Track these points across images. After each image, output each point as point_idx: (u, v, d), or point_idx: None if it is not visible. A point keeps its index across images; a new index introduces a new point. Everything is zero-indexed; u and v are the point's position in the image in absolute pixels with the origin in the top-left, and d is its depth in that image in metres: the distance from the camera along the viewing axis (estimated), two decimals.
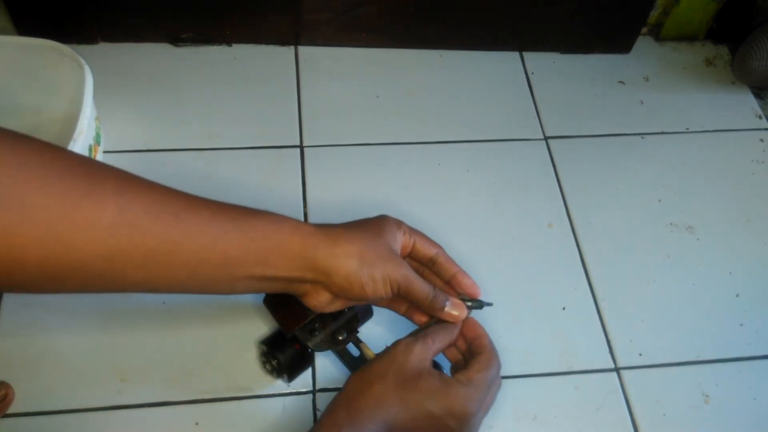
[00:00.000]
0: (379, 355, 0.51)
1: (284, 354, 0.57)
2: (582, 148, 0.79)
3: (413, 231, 0.55)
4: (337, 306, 0.52)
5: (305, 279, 0.50)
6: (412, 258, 0.56)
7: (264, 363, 0.60)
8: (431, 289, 0.52)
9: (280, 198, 0.72)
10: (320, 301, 0.51)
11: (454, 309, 0.53)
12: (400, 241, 0.53)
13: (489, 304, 0.56)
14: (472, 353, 0.54)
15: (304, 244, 0.48)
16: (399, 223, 0.54)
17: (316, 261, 0.48)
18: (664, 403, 0.62)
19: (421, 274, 0.56)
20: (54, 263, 0.40)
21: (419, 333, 0.53)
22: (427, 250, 0.55)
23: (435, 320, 0.54)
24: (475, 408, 0.50)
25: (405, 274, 0.51)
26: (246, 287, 0.49)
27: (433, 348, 0.51)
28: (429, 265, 0.56)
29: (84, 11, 0.78)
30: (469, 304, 0.55)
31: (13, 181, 0.38)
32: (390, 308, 0.57)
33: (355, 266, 0.49)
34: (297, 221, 0.50)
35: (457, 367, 0.55)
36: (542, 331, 0.65)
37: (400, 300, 0.55)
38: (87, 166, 0.42)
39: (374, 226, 0.52)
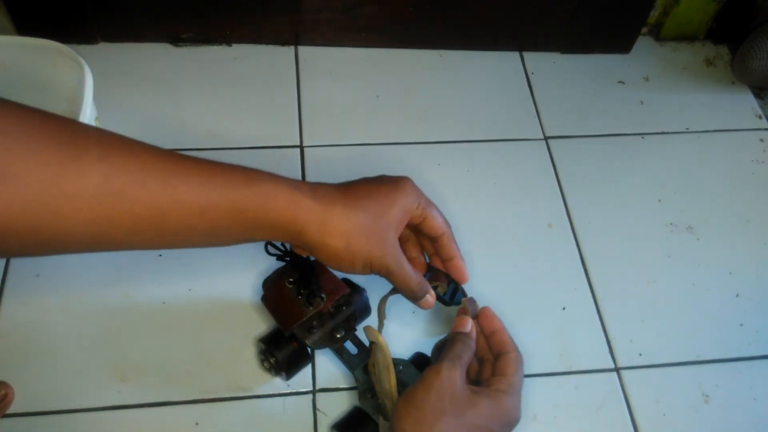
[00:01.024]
0: (421, 385, 0.48)
1: (282, 352, 0.57)
2: (582, 148, 0.79)
3: (428, 205, 0.54)
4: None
5: (293, 242, 0.51)
6: (419, 231, 0.56)
7: (262, 361, 0.60)
8: (415, 281, 0.53)
9: None
10: (302, 253, 0.53)
11: (428, 301, 0.55)
12: (407, 214, 0.52)
13: (459, 301, 0.57)
14: (495, 352, 0.54)
15: (294, 219, 0.48)
16: (417, 194, 0.53)
17: (304, 236, 0.48)
18: (664, 403, 0.62)
19: (422, 243, 0.57)
20: (44, 230, 0.40)
21: (447, 355, 0.51)
22: (434, 230, 0.55)
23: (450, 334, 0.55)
24: (520, 408, 0.51)
25: (387, 263, 0.51)
26: (231, 244, 0.50)
27: (465, 365, 0.51)
28: (432, 241, 0.56)
29: (84, 11, 0.78)
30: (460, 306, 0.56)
31: None
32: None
33: (341, 247, 0.49)
34: (292, 188, 0.48)
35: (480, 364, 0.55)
36: (542, 331, 0.65)
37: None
38: (71, 131, 0.42)
39: (383, 197, 0.51)
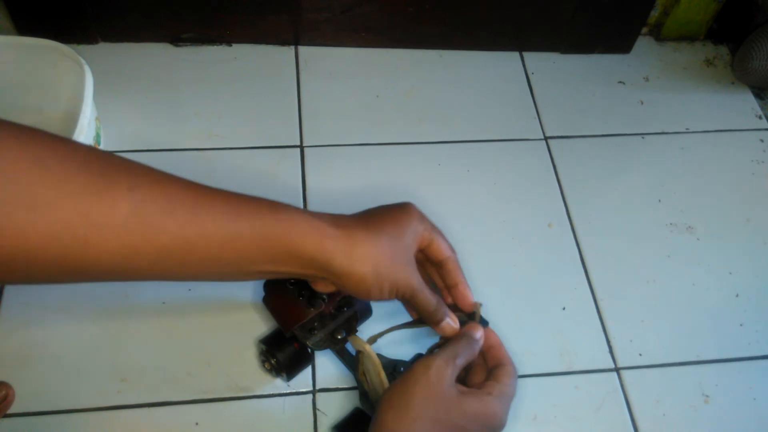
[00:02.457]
0: (409, 378, 0.48)
1: (283, 353, 0.57)
2: (582, 148, 0.79)
3: (434, 229, 0.54)
4: (332, 290, 0.54)
5: (316, 276, 0.50)
6: (424, 255, 0.55)
7: (263, 362, 0.60)
8: (435, 302, 0.52)
9: (280, 198, 0.71)
10: (327, 288, 0.53)
11: (449, 325, 0.53)
12: (418, 238, 0.52)
13: (485, 323, 0.56)
14: (490, 363, 0.54)
15: (320, 247, 0.47)
16: (422, 218, 0.53)
17: (331, 265, 0.48)
18: (664, 403, 0.62)
19: (427, 270, 0.56)
20: (70, 260, 0.40)
21: (445, 351, 0.50)
22: (440, 254, 0.54)
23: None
24: (506, 417, 0.51)
25: (412, 285, 0.50)
26: (255, 278, 0.50)
27: (459, 367, 0.50)
28: (437, 266, 0.55)
29: (84, 11, 0.78)
30: (465, 319, 0.55)
31: (28, 178, 0.38)
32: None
33: (369, 273, 0.48)
34: (314, 218, 0.48)
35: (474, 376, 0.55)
36: (542, 331, 0.65)
37: None
38: (101, 161, 0.42)
39: (396, 222, 0.51)
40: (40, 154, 0.39)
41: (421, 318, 0.54)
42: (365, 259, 0.48)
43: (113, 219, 0.41)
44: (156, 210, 0.42)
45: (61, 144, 0.41)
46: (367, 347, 0.54)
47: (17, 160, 0.38)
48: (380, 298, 0.50)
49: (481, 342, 0.54)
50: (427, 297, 0.52)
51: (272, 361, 0.58)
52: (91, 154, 0.42)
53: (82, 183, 0.40)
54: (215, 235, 0.44)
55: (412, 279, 0.50)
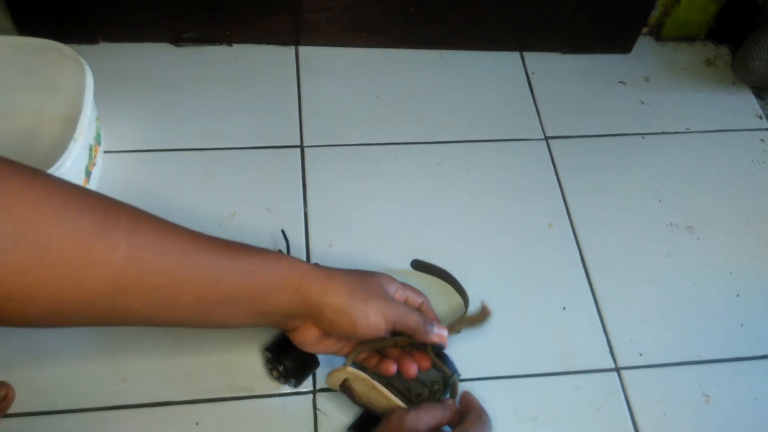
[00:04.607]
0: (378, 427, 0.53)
1: (290, 359, 0.56)
2: (582, 148, 0.79)
3: (404, 285, 0.57)
4: (323, 347, 0.54)
5: (296, 314, 0.51)
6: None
7: (270, 370, 0.59)
8: (420, 318, 0.54)
9: (280, 198, 0.72)
10: (308, 337, 0.53)
11: (438, 334, 0.56)
12: (393, 289, 0.55)
13: (456, 374, 0.58)
14: (462, 412, 0.56)
15: (301, 280, 0.50)
16: (391, 278, 0.56)
17: (309, 296, 0.50)
18: (664, 403, 0.62)
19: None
20: (65, 300, 0.41)
21: (421, 407, 0.54)
22: (415, 301, 0.57)
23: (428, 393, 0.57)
24: None
25: (398, 308, 0.53)
26: (240, 321, 0.51)
27: (425, 419, 0.53)
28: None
29: (85, 11, 0.78)
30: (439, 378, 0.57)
31: (30, 217, 0.38)
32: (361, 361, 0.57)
33: (346, 301, 0.50)
34: (295, 260, 0.51)
35: None
36: (542, 331, 0.65)
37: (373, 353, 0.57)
38: (103, 203, 0.43)
39: (368, 273, 0.55)
40: (45, 195, 0.39)
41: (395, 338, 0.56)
42: (341, 289, 0.51)
43: (111, 259, 0.41)
44: (152, 251, 0.44)
45: (65, 186, 0.41)
46: (349, 370, 0.54)
47: (22, 198, 0.38)
48: (370, 328, 0.51)
49: (445, 344, 0.57)
50: (414, 315, 0.54)
51: (279, 369, 0.57)
52: (93, 197, 0.43)
53: (85, 223, 0.40)
54: (204, 274, 0.46)
55: (395, 303, 0.54)
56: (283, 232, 0.66)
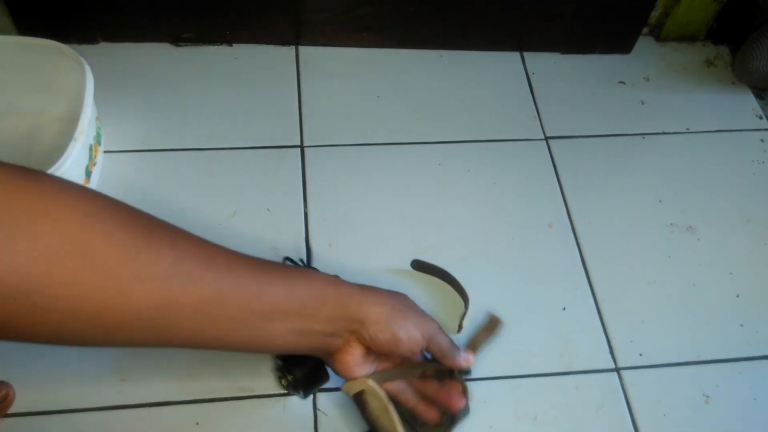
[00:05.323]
0: None
1: (301, 370, 0.55)
2: (582, 148, 0.79)
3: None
4: (366, 367, 0.54)
5: (339, 332, 0.51)
6: None
7: (279, 377, 0.59)
8: (449, 338, 0.55)
9: (280, 198, 0.72)
10: (353, 357, 0.52)
11: (466, 358, 0.56)
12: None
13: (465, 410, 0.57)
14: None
15: (339, 293, 0.50)
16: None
17: (349, 308, 0.50)
18: (664, 403, 0.62)
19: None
20: (108, 313, 0.40)
21: None
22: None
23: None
24: None
25: (432, 324, 0.54)
26: (284, 341, 0.49)
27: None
28: None
29: (85, 11, 0.78)
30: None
31: (79, 227, 0.38)
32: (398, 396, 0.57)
33: (386, 313, 0.51)
34: (328, 275, 0.52)
35: None
36: (542, 331, 0.65)
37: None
38: (144, 218, 0.43)
39: (394, 291, 0.55)
40: (91, 207, 0.40)
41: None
42: (380, 301, 0.51)
43: (155, 271, 0.41)
44: (195, 264, 0.44)
45: (109, 200, 0.42)
46: (369, 383, 0.53)
47: (69, 211, 0.38)
48: (410, 342, 0.52)
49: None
50: (444, 335, 0.55)
51: (289, 378, 0.56)
52: (135, 211, 0.43)
53: (130, 235, 0.41)
54: (249, 286, 0.46)
55: (432, 320, 0.54)
56: (301, 260, 0.66)
